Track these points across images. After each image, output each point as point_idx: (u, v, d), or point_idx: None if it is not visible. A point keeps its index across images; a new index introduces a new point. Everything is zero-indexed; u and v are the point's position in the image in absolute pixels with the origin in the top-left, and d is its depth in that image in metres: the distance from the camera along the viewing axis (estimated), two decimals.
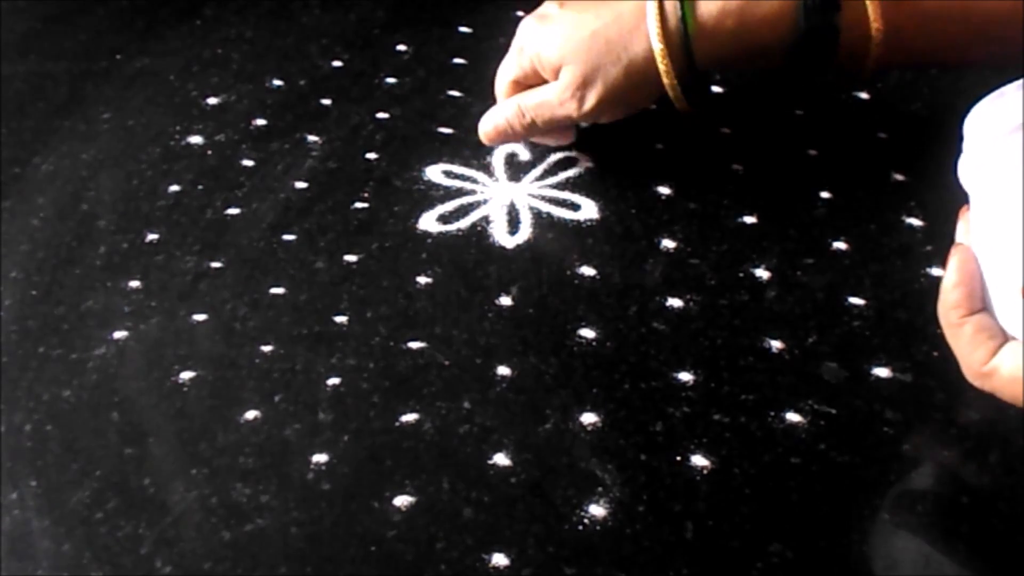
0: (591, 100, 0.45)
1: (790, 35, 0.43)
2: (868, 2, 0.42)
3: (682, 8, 0.43)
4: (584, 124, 0.51)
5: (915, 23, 0.43)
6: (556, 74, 0.46)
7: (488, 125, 0.49)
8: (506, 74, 0.48)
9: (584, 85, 0.45)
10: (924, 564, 0.34)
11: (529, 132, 0.48)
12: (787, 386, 0.39)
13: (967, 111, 0.38)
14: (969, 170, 0.35)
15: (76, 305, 0.45)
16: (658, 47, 0.43)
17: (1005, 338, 0.34)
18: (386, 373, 0.41)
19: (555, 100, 0.46)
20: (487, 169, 0.51)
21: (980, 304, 0.35)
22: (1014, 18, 0.43)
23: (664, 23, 0.43)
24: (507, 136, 0.49)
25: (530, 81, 0.47)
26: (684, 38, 0.43)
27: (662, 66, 0.44)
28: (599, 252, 0.46)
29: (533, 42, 0.46)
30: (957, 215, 0.37)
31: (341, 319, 0.44)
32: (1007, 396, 0.34)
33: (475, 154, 0.52)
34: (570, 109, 0.46)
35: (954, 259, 0.35)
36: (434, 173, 0.51)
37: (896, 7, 0.43)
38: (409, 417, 0.39)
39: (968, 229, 0.36)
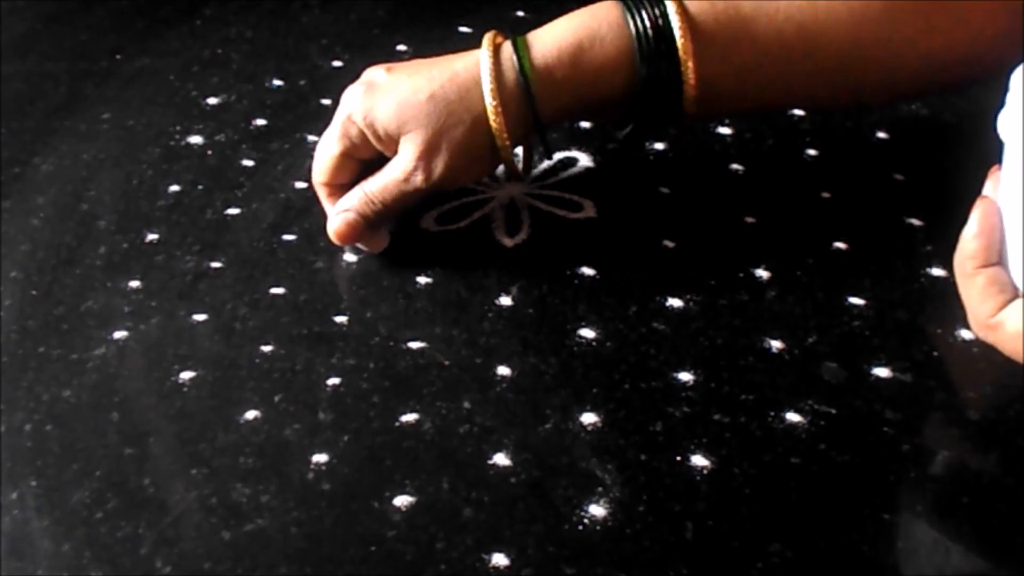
0: (439, 168, 0.43)
1: (630, 81, 0.42)
2: (683, 57, 0.41)
3: (519, 58, 0.42)
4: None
5: (733, 76, 0.43)
6: (394, 145, 0.43)
7: (337, 223, 0.44)
8: (330, 149, 0.44)
9: (428, 153, 0.42)
10: (924, 564, 0.34)
11: (381, 218, 0.45)
12: (787, 386, 0.39)
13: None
14: (1008, 122, 0.35)
15: (76, 305, 0.45)
16: (491, 103, 0.42)
17: (1015, 294, 0.35)
18: (386, 373, 0.41)
19: (400, 175, 0.43)
20: None
21: (996, 258, 0.36)
22: (856, 59, 0.43)
23: (500, 77, 0.42)
24: (359, 228, 0.44)
25: (359, 154, 0.44)
26: (525, 90, 0.42)
27: (494, 124, 0.42)
28: (599, 252, 0.46)
29: (362, 112, 0.43)
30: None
31: (341, 319, 0.44)
32: (1008, 351, 0.35)
33: None
34: (417, 181, 0.43)
35: (977, 210, 0.36)
36: None
37: (712, 61, 0.42)
38: (409, 417, 0.39)
39: (996, 186, 0.37)
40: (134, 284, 0.46)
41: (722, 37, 0.42)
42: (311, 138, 0.54)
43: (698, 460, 0.37)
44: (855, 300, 0.43)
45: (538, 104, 0.42)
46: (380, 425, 0.39)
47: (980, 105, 0.54)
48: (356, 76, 0.60)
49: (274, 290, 0.45)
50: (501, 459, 0.37)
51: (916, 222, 0.46)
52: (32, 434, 0.39)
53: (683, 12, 0.41)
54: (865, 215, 0.47)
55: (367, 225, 0.44)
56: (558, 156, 0.52)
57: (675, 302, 0.43)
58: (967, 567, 0.34)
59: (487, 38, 0.43)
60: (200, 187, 0.51)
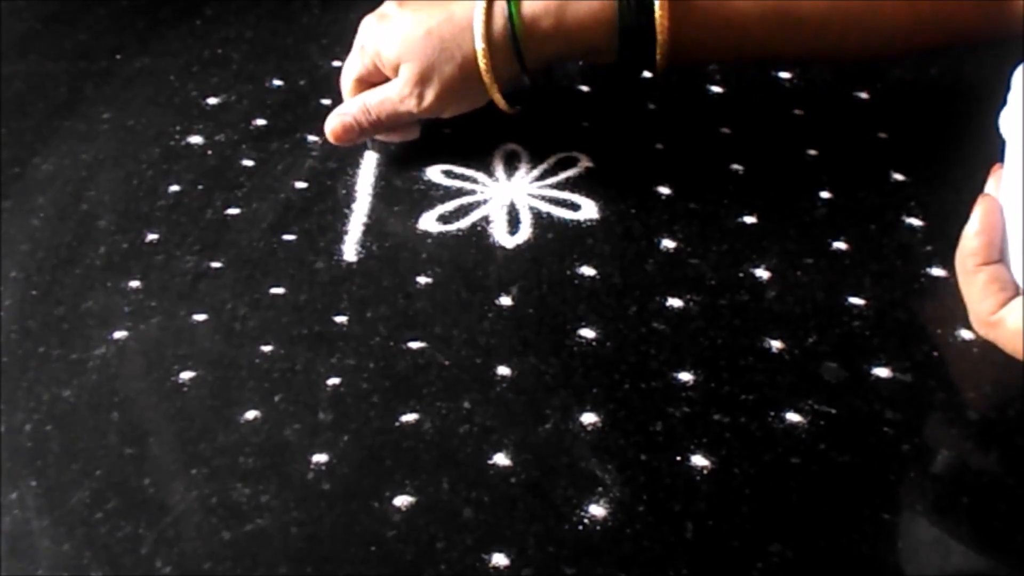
0: (429, 96, 0.47)
1: (611, 34, 0.45)
2: (657, 4, 0.44)
3: (509, 8, 0.45)
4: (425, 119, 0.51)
5: (703, 24, 0.46)
6: (395, 71, 0.48)
7: (335, 123, 0.49)
8: (350, 73, 0.50)
9: (422, 82, 0.47)
10: (924, 564, 0.34)
11: (375, 128, 0.49)
12: (787, 386, 0.39)
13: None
14: (1009, 120, 0.35)
15: (76, 305, 0.45)
16: (480, 47, 0.45)
17: (1016, 292, 0.35)
18: (386, 373, 0.41)
19: (396, 97, 0.48)
20: (487, 169, 0.51)
21: (997, 256, 0.36)
22: (829, 19, 0.45)
23: (490, 23, 0.45)
24: (354, 133, 0.49)
25: (373, 79, 0.49)
26: (512, 38, 0.45)
27: (482, 64, 0.46)
28: (599, 252, 0.46)
29: (373, 41, 0.48)
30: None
31: (341, 319, 0.44)
32: (1008, 348, 0.35)
33: (475, 154, 0.52)
34: (410, 105, 0.48)
35: (979, 208, 0.36)
36: (434, 173, 0.51)
37: (684, 8, 0.45)
38: (409, 417, 0.39)
39: (998, 184, 0.37)
40: (134, 284, 0.46)
41: None
42: (311, 138, 0.54)
43: (698, 460, 0.37)
44: (855, 300, 0.43)
45: (524, 51, 0.46)
46: (380, 425, 0.39)
47: (980, 104, 0.54)
48: None
49: (274, 290, 0.45)
50: (501, 459, 0.37)
51: (916, 222, 0.46)
52: (32, 434, 0.39)
53: None
54: (865, 215, 0.47)
55: (359, 132, 0.49)
56: (558, 156, 0.52)
57: (675, 302, 0.43)
58: (967, 567, 0.34)
59: None
60: (200, 187, 0.51)
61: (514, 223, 0.48)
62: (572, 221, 0.48)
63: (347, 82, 0.50)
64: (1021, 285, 0.35)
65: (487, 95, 0.48)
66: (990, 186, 0.37)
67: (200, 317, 0.44)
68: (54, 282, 0.46)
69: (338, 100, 0.57)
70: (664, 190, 0.49)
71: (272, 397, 0.40)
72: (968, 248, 0.36)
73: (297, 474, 0.37)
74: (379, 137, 0.51)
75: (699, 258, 0.45)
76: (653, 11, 0.44)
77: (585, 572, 0.34)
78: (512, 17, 0.45)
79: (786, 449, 0.37)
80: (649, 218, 0.48)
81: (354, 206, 0.50)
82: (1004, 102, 0.36)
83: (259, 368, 0.41)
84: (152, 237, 0.48)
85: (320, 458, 0.38)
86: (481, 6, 0.45)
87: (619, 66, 0.48)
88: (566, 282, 0.45)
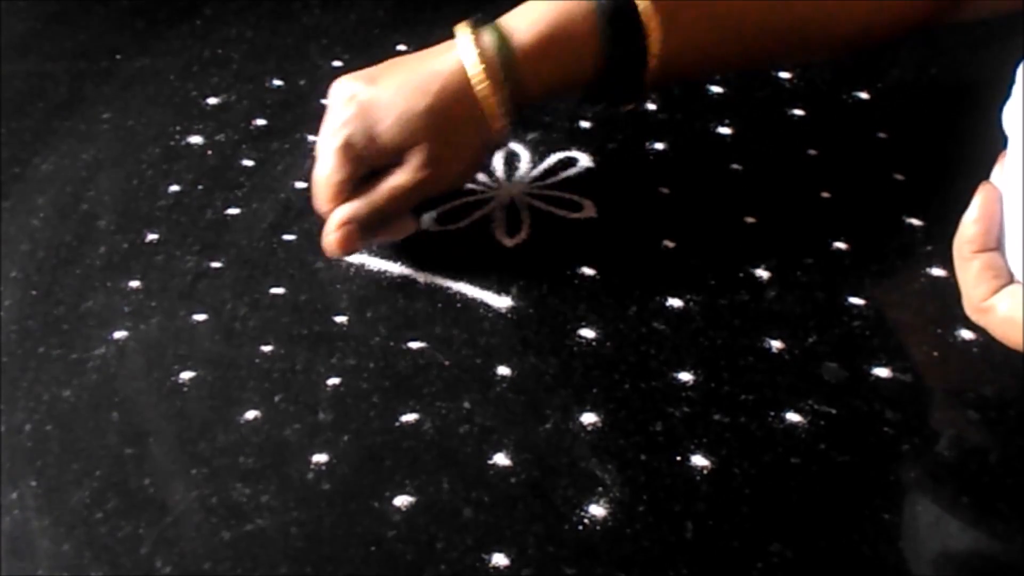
0: (450, 173, 0.44)
1: (596, 46, 0.43)
2: (645, 21, 0.43)
3: (500, 46, 0.43)
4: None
5: (693, 50, 0.45)
6: (397, 157, 0.43)
7: (334, 238, 0.43)
8: (332, 178, 0.43)
9: (437, 161, 0.43)
10: (924, 563, 0.34)
11: (381, 224, 0.44)
12: (787, 386, 0.39)
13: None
14: (1012, 115, 0.36)
15: (76, 305, 0.45)
16: (476, 70, 0.42)
17: (1010, 280, 0.35)
18: (386, 373, 0.41)
19: (410, 185, 0.43)
20: (487, 169, 0.51)
21: (994, 244, 0.36)
22: (806, 26, 0.46)
23: (488, 65, 0.42)
24: (357, 242, 0.43)
25: (359, 175, 0.44)
26: (504, 61, 0.43)
27: (488, 109, 0.43)
28: (599, 252, 0.46)
29: (363, 135, 0.43)
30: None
31: (341, 319, 0.44)
32: (997, 335, 0.36)
33: None
34: (427, 190, 0.44)
35: (979, 196, 0.36)
36: None
37: (674, 36, 0.44)
38: (409, 417, 0.39)
39: (1001, 172, 0.37)
40: (134, 284, 0.46)
41: (685, 13, 0.44)
42: (311, 138, 0.54)
43: (698, 460, 0.37)
44: (855, 300, 0.43)
45: (519, 73, 0.43)
46: (380, 425, 0.39)
47: (980, 104, 0.54)
48: None
49: (274, 290, 0.45)
50: (501, 459, 0.37)
51: (916, 222, 0.46)
52: (32, 434, 0.39)
53: None
54: (865, 215, 0.47)
55: (363, 239, 0.44)
56: (558, 156, 0.52)
57: (675, 302, 0.43)
58: (967, 566, 0.34)
59: (462, 30, 0.44)
60: (200, 187, 0.51)
61: (514, 223, 0.48)
62: (572, 221, 0.48)
63: (328, 189, 0.43)
64: (1017, 274, 0.36)
65: (496, 143, 0.45)
66: (995, 174, 0.38)
67: (200, 317, 0.44)
68: (54, 282, 0.46)
69: None
70: (664, 190, 0.49)
71: (272, 397, 0.40)
72: (965, 235, 0.36)
73: (297, 474, 0.37)
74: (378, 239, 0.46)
75: (699, 258, 0.45)
76: (642, 34, 0.43)
77: (585, 572, 0.34)
78: (506, 53, 0.43)
79: (786, 449, 0.37)
80: (649, 218, 0.48)
81: None
82: (1007, 96, 0.36)
83: (259, 368, 0.41)
84: (152, 237, 0.48)
85: (320, 458, 0.38)
86: (462, 34, 0.43)
87: (609, 80, 0.45)
88: (566, 282, 0.45)
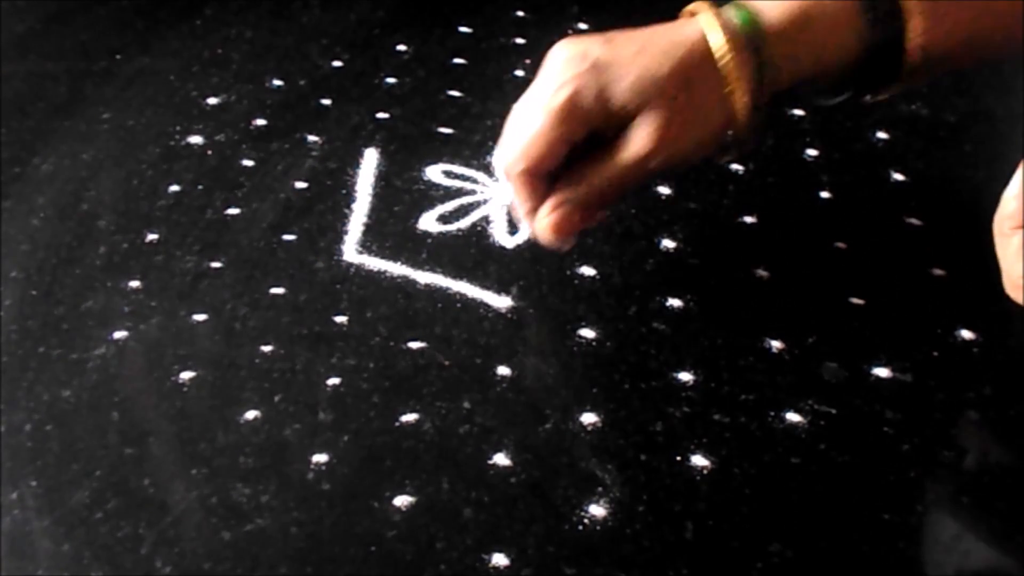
0: (682, 147, 0.39)
1: (856, 42, 0.40)
2: (907, 16, 0.40)
3: (747, 23, 0.39)
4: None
5: (951, 36, 0.41)
6: (624, 124, 0.39)
7: (558, 219, 0.40)
8: (546, 132, 0.38)
9: (673, 132, 0.39)
10: (924, 564, 0.34)
11: (601, 207, 0.41)
12: (787, 386, 0.39)
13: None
14: None
15: (76, 305, 0.45)
16: (720, 41, 0.39)
17: None
18: (386, 373, 0.41)
19: (639, 158, 0.39)
20: (487, 169, 0.51)
21: None
22: None
23: (726, 24, 0.39)
24: (578, 224, 0.40)
25: (577, 136, 0.39)
26: (751, 38, 0.39)
27: (728, 62, 0.39)
28: (599, 252, 0.46)
29: (596, 91, 0.38)
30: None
31: (341, 319, 0.44)
32: None
33: (475, 154, 0.52)
34: (657, 163, 0.39)
35: (1020, 172, 0.36)
36: (434, 173, 0.51)
37: (934, 20, 0.40)
38: (409, 417, 0.39)
39: None
40: (134, 284, 0.46)
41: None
42: (311, 138, 0.54)
43: (698, 460, 0.37)
44: (855, 300, 0.43)
45: (767, 57, 0.39)
46: (380, 425, 0.39)
47: (980, 105, 0.54)
48: (356, 76, 0.60)
49: (274, 290, 0.45)
50: (501, 459, 0.37)
51: (916, 222, 0.46)
52: (32, 434, 0.39)
53: None
54: (865, 215, 0.47)
55: (586, 215, 0.40)
56: None
57: (675, 302, 0.43)
58: (967, 566, 0.34)
59: (702, 7, 0.40)
60: (200, 187, 0.51)
61: (514, 223, 0.48)
62: None
63: (539, 144, 0.39)
64: None
65: (737, 124, 0.40)
66: None
67: (200, 317, 0.44)
68: (54, 282, 0.46)
69: (339, 100, 0.57)
70: (664, 190, 0.49)
71: (272, 397, 0.40)
72: (1006, 210, 0.36)
73: (297, 474, 0.37)
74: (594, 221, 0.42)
75: (699, 258, 0.45)
76: (901, 17, 0.40)
77: (585, 572, 0.34)
78: (746, 17, 0.39)
79: (786, 449, 0.37)
80: (649, 218, 0.48)
81: (354, 206, 0.50)
82: None
83: (259, 368, 0.41)
84: (152, 237, 0.48)
85: (320, 458, 0.38)
86: (704, 8, 0.40)
87: (857, 81, 0.42)
88: (566, 282, 0.45)
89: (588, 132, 0.39)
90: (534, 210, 0.40)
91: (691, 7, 0.41)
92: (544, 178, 0.40)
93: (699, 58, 0.39)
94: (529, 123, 0.39)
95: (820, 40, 0.40)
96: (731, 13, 0.40)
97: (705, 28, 0.39)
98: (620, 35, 0.41)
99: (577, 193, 0.39)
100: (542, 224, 0.40)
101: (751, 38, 0.39)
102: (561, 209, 0.39)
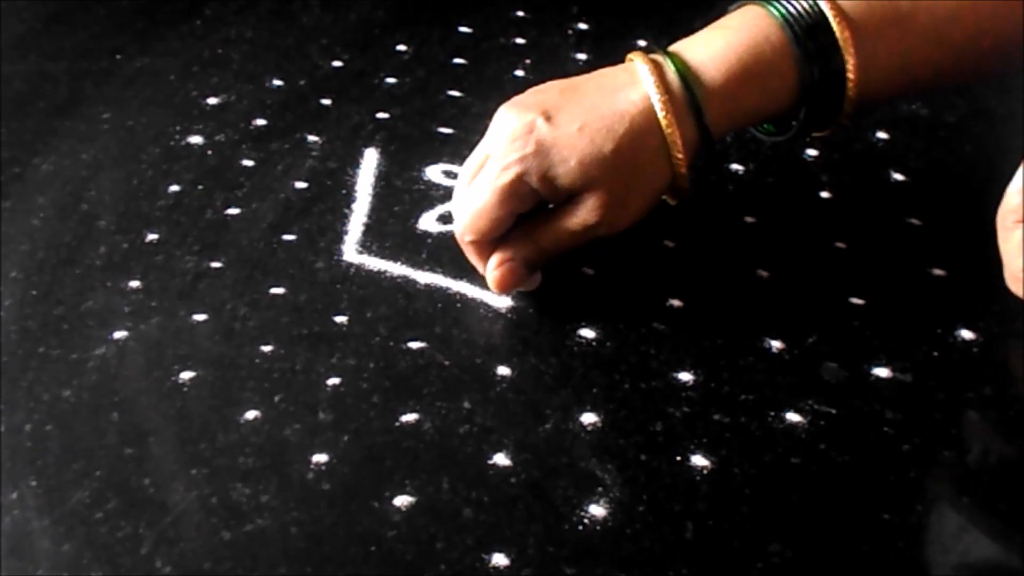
0: (626, 218, 0.42)
1: (792, 86, 0.41)
2: (844, 55, 0.41)
3: (672, 62, 0.41)
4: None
5: (890, 69, 0.42)
6: (568, 197, 0.41)
7: (503, 274, 0.42)
8: (493, 210, 0.41)
9: (615, 206, 0.41)
10: (924, 564, 0.34)
11: (543, 264, 0.43)
12: (787, 386, 0.39)
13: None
14: None
15: (76, 305, 0.45)
16: (658, 99, 0.40)
17: None
18: (386, 373, 0.41)
19: (580, 228, 0.41)
20: None
21: None
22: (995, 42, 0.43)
23: (662, 78, 0.40)
24: (522, 278, 0.43)
25: (522, 210, 0.42)
26: (686, 89, 0.40)
27: (663, 119, 0.40)
28: (599, 252, 0.46)
29: (540, 173, 0.40)
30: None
31: (341, 319, 0.44)
32: None
33: None
34: (599, 232, 0.41)
35: (1023, 167, 0.36)
36: (434, 173, 0.51)
37: (871, 55, 0.41)
38: (409, 417, 0.39)
39: None
40: (134, 284, 0.46)
41: (880, 32, 0.41)
42: (311, 138, 0.54)
43: (698, 460, 0.37)
44: (855, 300, 0.43)
45: (701, 102, 0.41)
46: (380, 425, 0.39)
47: (980, 105, 0.54)
48: (356, 76, 0.60)
49: (274, 290, 0.45)
50: (501, 459, 0.37)
51: (916, 222, 0.46)
52: (32, 434, 0.39)
53: (837, 8, 0.41)
54: (865, 215, 0.47)
55: (526, 276, 0.43)
56: None
57: (675, 302, 0.43)
58: (967, 566, 0.34)
59: (641, 61, 0.41)
60: (200, 187, 0.51)
61: None
62: None
63: (486, 221, 0.41)
64: None
65: (668, 175, 0.42)
66: None
67: (200, 317, 0.44)
68: (54, 282, 0.46)
69: (339, 100, 0.57)
70: None
71: (272, 397, 0.40)
72: (1009, 205, 0.36)
73: (297, 474, 0.37)
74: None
75: (699, 258, 0.45)
76: (838, 51, 0.41)
77: (585, 572, 0.34)
78: (678, 68, 0.41)
79: (786, 449, 0.37)
80: (649, 218, 0.47)
81: (354, 206, 0.50)
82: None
83: (259, 368, 0.41)
84: (152, 237, 0.48)
85: (320, 458, 0.38)
86: (643, 68, 0.41)
87: (798, 119, 0.43)
88: (566, 282, 0.45)
89: (534, 205, 0.42)
90: (485, 266, 0.43)
91: (631, 57, 0.42)
92: (492, 243, 0.43)
93: (642, 129, 0.40)
94: (477, 199, 0.41)
95: (760, 91, 0.42)
96: (671, 75, 0.41)
97: (649, 93, 0.40)
98: (563, 105, 0.41)
99: (523, 252, 0.42)
100: (489, 278, 0.42)
101: (693, 104, 0.41)
102: (506, 266, 0.42)
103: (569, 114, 0.41)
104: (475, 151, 0.43)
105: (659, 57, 0.42)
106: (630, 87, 0.41)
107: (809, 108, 0.42)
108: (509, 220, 0.42)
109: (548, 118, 0.41)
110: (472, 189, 0.42)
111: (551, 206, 0.42)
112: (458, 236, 0.43)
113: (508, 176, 0.40)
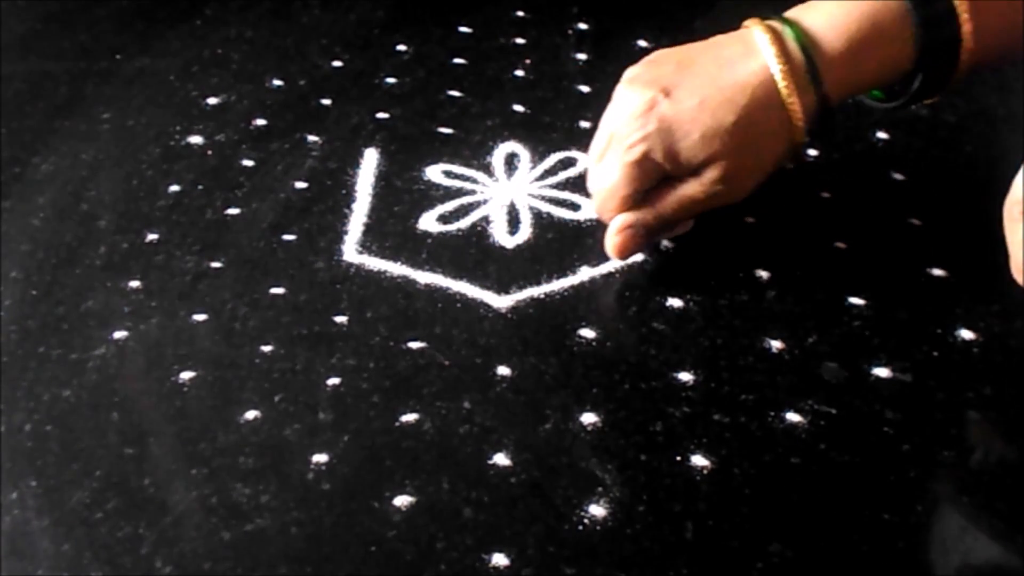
0: (745, 187, 0.42)
1: (908, 45, 0.41)
2: (959, 15, 0.40)
3: (791, 30, 0.41)
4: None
5: (1002, 20, 0.42)
6: (692, 169, 0.42)
7: (618, 240, 0.43)
8: (622, 188, 0.42)
9: (736, 176, 0.42)
10: (924, 564, 0.34)
11: (664, 232, 0.45)
12: (787, 386, 0.39)
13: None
14: None
15: (76, 305, 0.45)
16: (778, 68, 0.40)
17: None
18: (386, 373, 0.41)
19: (702, 197, 0.42)
20: (487, 169, 0.51)
21: None
22: None
23: (783, 47, 0.41)
24: (642, 243, 0.43)
25: (648, 185, 0.43)
26: (807, 58, 0.40)
27: (783, 89, 0.40)
28: (599, 252, 0.46)
29: (664, 150, 0.41)
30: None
31: (341, 319, 0.44)
32: None
33: (475, 154, 0.52)
34: (719, 201, 0.43)
35: None
36: (434, 173, 0.51)
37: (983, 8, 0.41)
38: (409, 417, 0.39)
39: None
40: (134, 284, 0.46)
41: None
42: (311, 138, 0.54)
43: (698, 460, 0.37)
44: (855, 300, 0.43)
45: (820, 71, 0.41)
46: (380, 425, 0.39)
47: (980, 105, 0.54)
48: (356, 76, 0.60)
49: (274, 290, 0.45)
50: (501, 459, 0.37)
51: (916, 222, 0.46)
52: (32, 434, 0.39)
53: None
54: (865, 215, 0.47)
55: (647, 240, 0.44)
56: (558, 156, 0.52)
57: (675, 302, 0.43)
58: (967, 567, 0.34)
59: (760, 31, 0.41)
60: (200, 187, 0.51)
61: (514, 223, 0.48)
62: (572, 221, 0.48)
63: (617, 201, 0.42)
64: None
65: (787, 143, 0.42)
66: None
67: (200, 317, 0.44)
68: (54, 282, 0.46)
69: (339, 100, 0.57)
70: None
71: (272, 397, 0.40)
72: (1015, 195, 0.36)
73: (297, 474, 0.37)
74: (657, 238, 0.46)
75: (699, 258, 0.45)
76: (955, 17, 0.40)
77: (585, 572, 0.34)
78: (797, 37, 0.41)
79: (786, 449, 0.37)
80: None
81: (354, 206, 0.50)
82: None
83: (259, 368, 0.41)
84: (152, 237, 0.48)
85: (320, 458, 0.38)
86: (763, 37, 0.41)
87: (919, 79, 0.43)
88: (566, 282, 0.45)
89: (659, 179, 0.42)
90: None
91: (748, 24, 0.42)
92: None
93: (762, 100, 0.41)
94: (607, 179, 0.43)
95: (878, 58, 0.41)
96: (791, 44, 0.41)
97: (769, 63, 0.41)
98: (682, 79, 0.42)
99: (644, 218, 0.43)
100: (609, 243, 0.43)
101: (813, 73, 0.41)
102: (627, 232, 0.43)
103: (688, 89, 0.41)
104: (599, 131, 0.44)
105: (777, 25, 0.42)
106: (748, 57, 0.41)
107: (925, 74, 0.42)
108: (639, 195, 0.42)
109: (667, 94, 0.41)
110: (600, 169, 0.43)
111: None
112: (598, 214, 0.45)
113: (634, 155, 0.41)
